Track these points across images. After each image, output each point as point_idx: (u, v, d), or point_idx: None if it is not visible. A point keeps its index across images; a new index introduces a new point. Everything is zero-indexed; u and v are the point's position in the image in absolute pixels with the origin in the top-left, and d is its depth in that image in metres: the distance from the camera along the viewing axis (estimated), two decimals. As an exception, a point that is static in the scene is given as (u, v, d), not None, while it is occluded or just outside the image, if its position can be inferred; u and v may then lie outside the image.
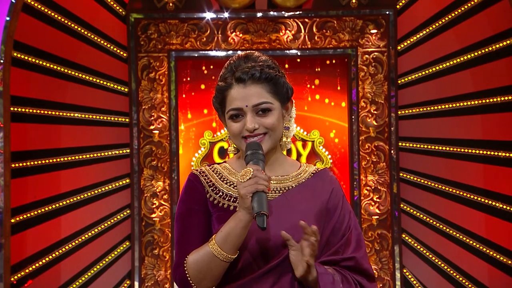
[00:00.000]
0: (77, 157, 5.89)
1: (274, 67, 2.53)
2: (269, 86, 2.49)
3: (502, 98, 5.88)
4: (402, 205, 5.93)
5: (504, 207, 5.85)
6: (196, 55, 5.91)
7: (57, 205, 5.84)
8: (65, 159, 5.87)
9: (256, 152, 2.43)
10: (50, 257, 5.81)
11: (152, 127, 5.87)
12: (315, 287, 2.43)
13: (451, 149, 5.96)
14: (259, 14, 5.89)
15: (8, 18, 5.50)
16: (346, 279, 2.49)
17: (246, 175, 2.36)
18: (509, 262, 5.84)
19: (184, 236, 2.50)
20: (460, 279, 5.90)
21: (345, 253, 2.53)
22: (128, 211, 5.92)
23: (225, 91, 2.51)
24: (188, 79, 6.01)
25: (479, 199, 5.90)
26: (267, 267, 2.46)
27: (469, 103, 5.95)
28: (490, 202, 5.88)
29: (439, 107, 5.98)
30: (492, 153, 5.89)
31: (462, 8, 5.92)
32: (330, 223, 2.55)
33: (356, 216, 5.69)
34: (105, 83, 5.93)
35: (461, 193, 5.93)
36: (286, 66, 5.93)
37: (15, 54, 5.65)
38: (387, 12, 5.89)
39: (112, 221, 5.92)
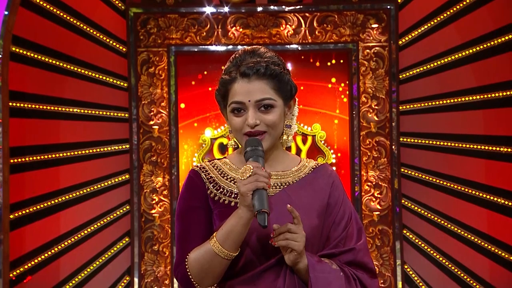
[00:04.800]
0: (76, 153, 5.87)
1: (280, 64, 2.52)
2: (273, 83, 2.48)
3: (504, 93, 5.87)
4: (403, 201, 5.91)
5: (506, 202, 5.83)
6: (196, 49, 5.88)
7: (56, 200, 5.82)
8: (64, 154, 5.85)
9: (255, 148, 2.42)
10: (49, 253, 5.79)
11: (151, 122, 5.84)
12: (305, 277, 2.42)
13: (453, 144, 5.94)
14: (260, 9, 5.86)
15: (6, 13, 5.47)
16: (344, 272, 2.47)
17: (246, 172, 2.35)
18: (511, 258, 5.82)
19: (185, 233, 2.49)
20: (462, 275, 5.88)
21: (345, 247, 2.52)
22: (127, 207, 5.89)
23: (228, 85, 2.50)
24: (188, 74, 5.97)
25: (480, 194, 5.88)
26: (268, 263, 2.45)
27: (470, 98, 5.93)
28: (491, 197, 5.86)
29: (441, 102, 5.96)
30: (494, 148, 5.87)
31: (464, 3, 5.90)
32: (330, 218, 2.54)
33: (356, 212, 5.68)
34: (104, 78, 5.91)
35: (462, 188, 5.91)
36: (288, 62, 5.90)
37: (13, 48, 5.63)
38: (388, 7, 5.86)
39: (111, 217, 5.90)
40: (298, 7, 5.85)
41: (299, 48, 5.88)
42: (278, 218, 2.43)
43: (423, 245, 5.93)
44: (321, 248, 2.51)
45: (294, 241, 2.37)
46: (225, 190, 2.52)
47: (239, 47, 5.76)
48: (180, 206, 2.52)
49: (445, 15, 5.93)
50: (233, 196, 2.50)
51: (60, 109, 5.84)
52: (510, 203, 5.83)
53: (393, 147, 5.86)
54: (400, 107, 5.92)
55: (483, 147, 5.89)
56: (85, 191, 5.88)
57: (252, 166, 2.36)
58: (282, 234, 2.37)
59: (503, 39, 5.85)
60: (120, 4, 5.91)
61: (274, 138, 2.51)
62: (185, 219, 2.50)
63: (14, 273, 5.66)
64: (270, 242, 2.41)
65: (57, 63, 5.81)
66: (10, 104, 5.58)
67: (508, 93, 5.85)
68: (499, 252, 5.84)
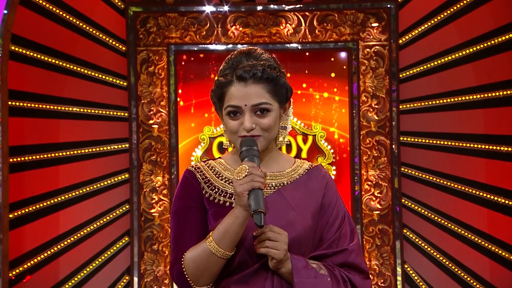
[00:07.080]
0: (75, 152, 5.87)
1: (276, 66, 2.52)
2: (269, 87, 2.48)
3: (504, 92, 5.85)
4: (403, 200, 5.90)
5: (506, 201, 5.82)
6: (195, 49, 5.87)
7: (55, 200, 5.81)
8: (64, 153, 5.84)
9: (251, 148, 2.43)
10: (49, 252, 5.78)
11: (151, 121, 5.83)
12: (290, 280, 2.43)
13: (453, 143, 5.93)
14: (259, 8, 5.85)
15: (6, 12, 5.46)
16: (334, 275, 2.46)
17: (242, 172, 2.35)
18: (511, 257, 5.81)
19: (180, 233, 2.49)
20: (462, 274, 5.87)
21: (338, 247, 2.53)
22: (127, 206, 5.88)
23: (224, 87, 2.50)
24: (188, 73, 5.96)
25: (480, 193, 5.87)
26: (261, 262, 2.45)
27: (471, 97, 5.92)
28: (492, 196, 5.85)
29: (441, 101, 5.95)
30: (494, 147, 5.86)
31: (464, 2, 5.89)
32: (324, 219, 2.55)
33: (351, 212, 5.66)
34: (103, 77, 5.90)
35: (462, 187, 5.90)
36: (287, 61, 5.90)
37: (13, 47, 5.62)
38: (389, 6, 5.84)
39: (111, 216, 5.89)
40: (298, 6, 5.84)
41: (299, 47, 5.87)
42: (273, 219, 2.43)
43: (423, 244, 5.92)
44: (314, 249, 2.52)
45: (274, 250, 2.38)
46: (220, 190, 2.52)
47: (239, 46, 5.75)
48: (175, 206, 2.53)
49: (445, 14, 5.92)
50: (227, 196, 2.51)
51: (59, 108, 5.83)
52: (510, 203, 5.81)
53: (393, 146, 5.85)
54: (400, 106, 5.91)
55: (483, 146, 5.88)
56: (84, 190, 5.87)
57: (247, 166, 2.36)
58: (262, 241, 2.39)
59: (503, 38, 5.84)
60: (119, 3, 5.91)
61: (269, 141, 2.52)
62: (181, 219, 2.50)
63: (14, 272, 5.65)
64: (254, 247, 2.42)
65: (57, 62, 5.81)
66: (10, 103, 5.57)
67: (508, 92, 5.84)
68: (500, 252, 5.83)
